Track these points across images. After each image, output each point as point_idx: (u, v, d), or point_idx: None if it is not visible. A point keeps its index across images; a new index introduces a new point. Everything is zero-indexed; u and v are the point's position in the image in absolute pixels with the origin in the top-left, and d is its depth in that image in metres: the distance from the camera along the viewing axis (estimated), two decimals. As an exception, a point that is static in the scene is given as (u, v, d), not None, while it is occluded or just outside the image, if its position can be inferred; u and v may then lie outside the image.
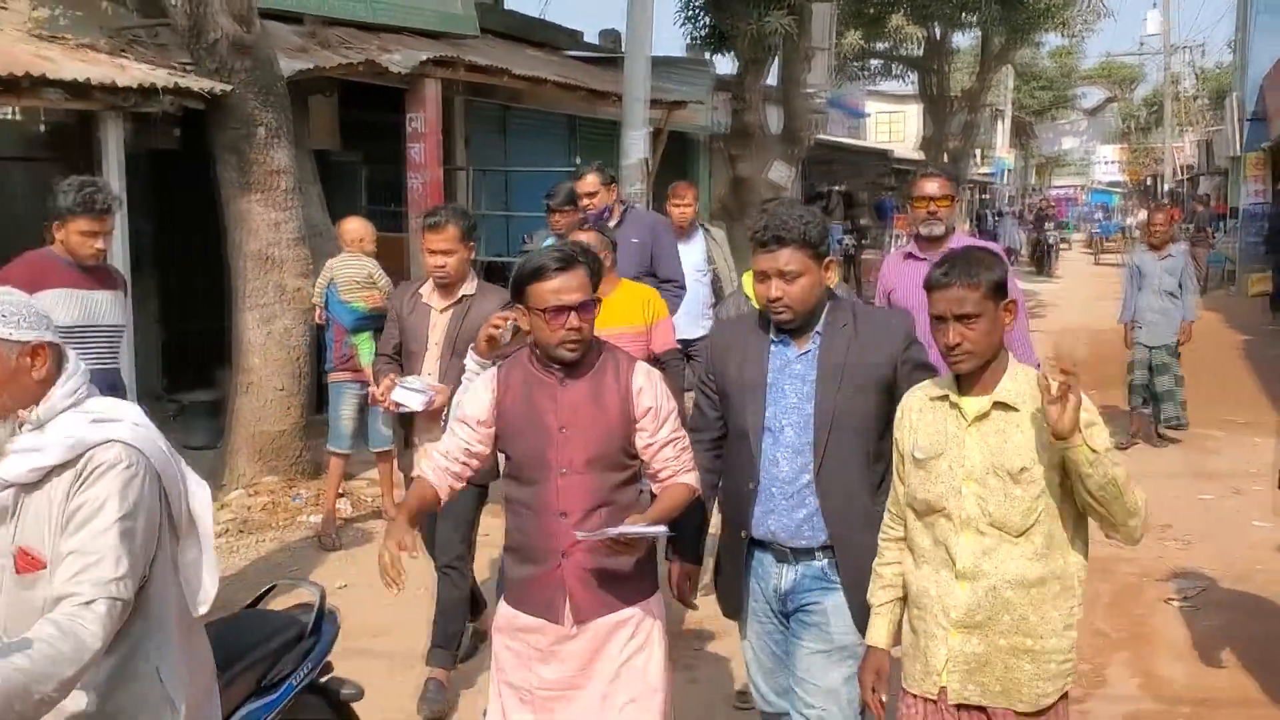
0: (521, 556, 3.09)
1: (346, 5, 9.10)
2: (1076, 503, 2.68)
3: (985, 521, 2.69)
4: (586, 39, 15.94)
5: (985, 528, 2.69)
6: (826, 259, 3.12)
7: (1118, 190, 57.12)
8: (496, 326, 3.61)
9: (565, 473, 2.97)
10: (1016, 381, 2.72)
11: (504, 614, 3.12)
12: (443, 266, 4.39)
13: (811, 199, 18.20)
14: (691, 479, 3.09)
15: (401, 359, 4.59)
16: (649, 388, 3.03)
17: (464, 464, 3.11)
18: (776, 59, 13.97)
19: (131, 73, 6.17)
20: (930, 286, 2.71)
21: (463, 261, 4.44)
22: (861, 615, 3.02)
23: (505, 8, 14.34)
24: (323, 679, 3.37)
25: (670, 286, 6.12)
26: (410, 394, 4.36)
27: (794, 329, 3.12)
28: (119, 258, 6.65)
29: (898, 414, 2.91)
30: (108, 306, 4.67)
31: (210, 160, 7.61)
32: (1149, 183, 52.12)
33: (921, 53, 25.35)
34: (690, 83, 14.31)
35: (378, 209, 10.05)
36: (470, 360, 3.64)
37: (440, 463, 3.11)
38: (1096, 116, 54.75)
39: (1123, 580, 6.12)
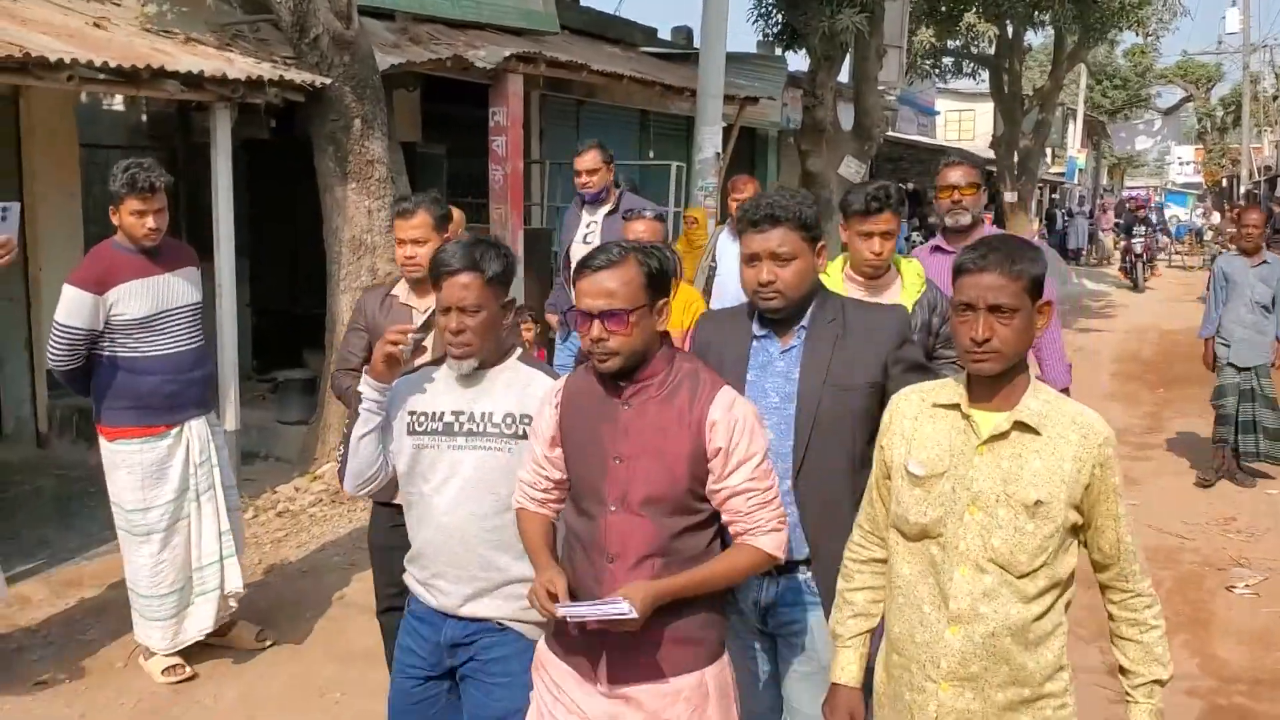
0: (579, 597, 2.63)
1: (435, 2, 9.44)
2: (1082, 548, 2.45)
3: (986, 557, 2.36)
4: (659, 36, 16.17)
5: (985, 564, 2.36)
6: (819, 243, 2.94)
7: (1193, 192, 56.12)
8: (395, 343, 2.93)
9: (616, 510, 2.55)
10: (1040, 400, 2.39)
11: (543, 650, 2.75)
12: (413, 258, 3.95)
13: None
14: (767, 542, 2.56)
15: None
16: (726, 423, 2.53)
17: (547, 491, 2.74)
18: (849, 56, 14.11)
19: (239, 66, 6.53)
20: (960, 270, 2.39)
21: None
22: None
23: (582, 5, 14.62)
24: None
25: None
26: None
27: (780, 320, 2.94)
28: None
29: (886, 418, 2.58)
30: (179, 287, 4.70)
31: (295, 149, 8.00)
32: (1225, 184, 51.14)
33: (994, 50, 25.27)
34: (763, 79, 14.49)
35: (459, 200, 10.37)
36: (365, 386, 2.96)
37: (530, 494, 2.75)
38: (1172, 116, 53.81)
39: (1186, 569, 6.26)
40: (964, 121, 38.66)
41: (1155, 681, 2.43)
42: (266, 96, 6.58)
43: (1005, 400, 2.39)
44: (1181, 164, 58.41)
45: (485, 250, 2.86)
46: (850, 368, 2.86)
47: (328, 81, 6.87)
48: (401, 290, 4.08)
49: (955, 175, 4.55)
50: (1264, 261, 7.77)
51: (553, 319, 6.91)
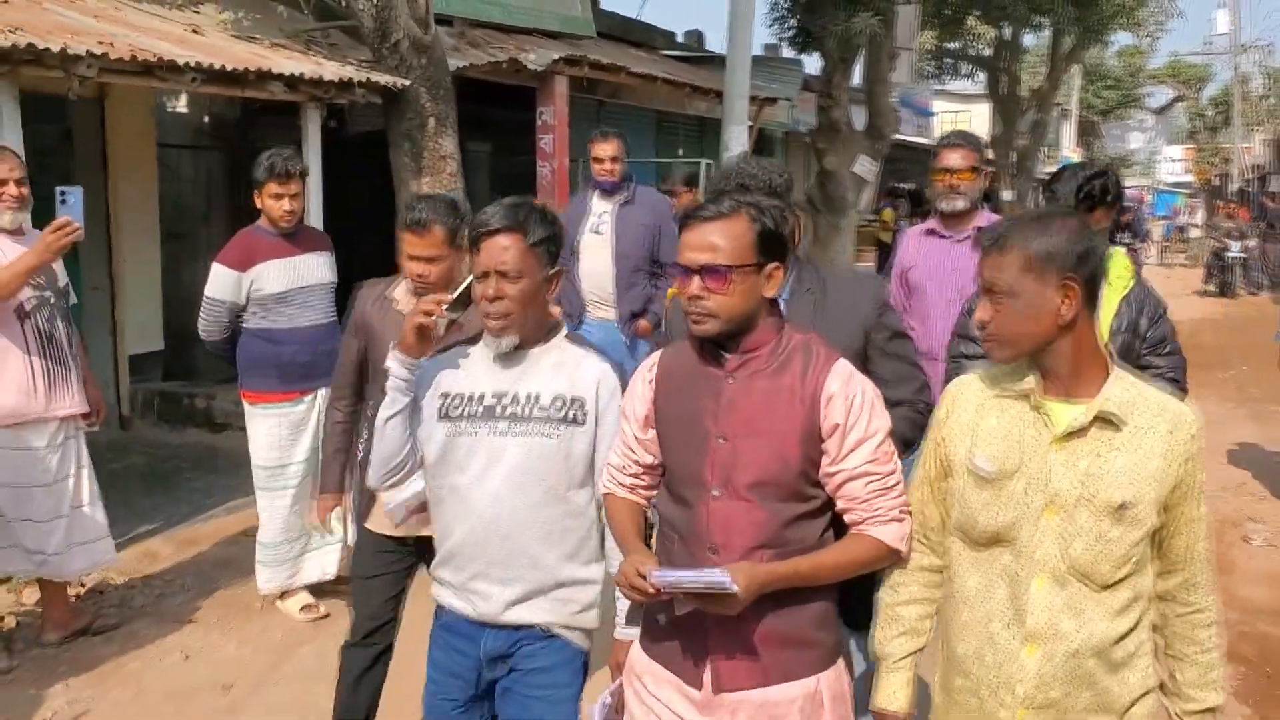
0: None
1: (486, 9, 10.00)
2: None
3: (1065, 567, 2.13)
4: (677, 40, 16.74)
5: (1065, 575, 2.13)
6: (793, 216, 2.80)
7: (1183, 191, 56.95)
8: (428, 313, 2.66)
9: (720, 496, 2.31)
10: (1123, 388, 2.15)
11: (636, 656, 2.50)
12: (424, 276, 3.51)
13: (889, 195, 18.91)
14: (888, 533, 2.33)
15: (369, 382, 3.72)
16: (844, 396, 2.30)
17: (637, 476, 2.53)
18: (862, 58, 14.69)
19: (329, 69, 7.07)
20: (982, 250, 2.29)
21: (449, 270, 3.55)
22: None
23: (604, 10, 15.19)
24: None
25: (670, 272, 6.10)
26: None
27: None
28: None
29: (943, 410, 2.35)
30: (314, 267, 5.12)
31: (362, 146, 8.53)
32: (1217, 182, 51.95)
33: (992, 52, 25.91)
34: (780, 80, 15.07)
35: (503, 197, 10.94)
36: (393, 361, 2.71)
37: (619, 478, 2.55)
38: (1163, 116, 54.66)
39: (1205, 523, 6.82)
40: (960, 122, 39.23)
41: (1209, 710, 2.24)
42: (354, 97, 7.12)
43: (1082, 389, 2.15)
44: (1172, 163, 59.25)
45: (530, 212, 2.61)
46: (830, 335, 2.68)
47: (407, 83, 7.41)
48: (401, 293, 3.68)
49: (953, 158, 4.34)
50: None
51: (556, 311, 7.25)
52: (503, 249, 2.56)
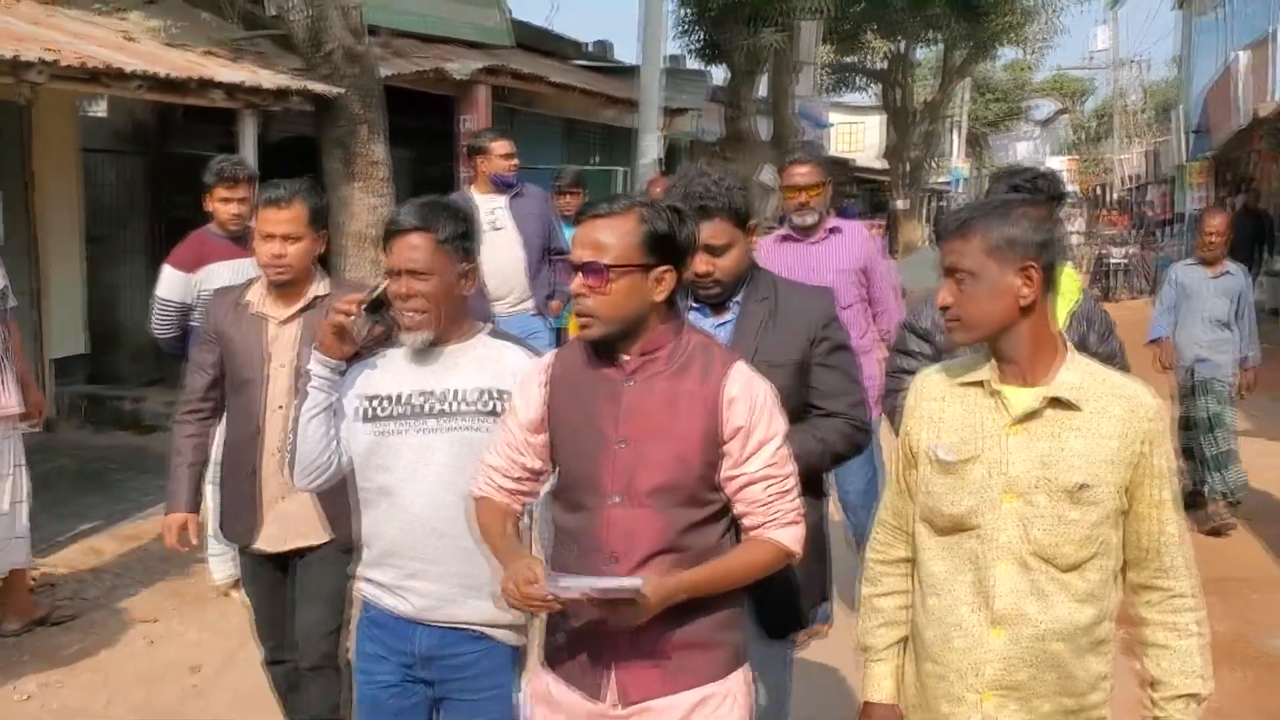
0: (565, 606, 2.31)
1: (409, 19, 10.24)
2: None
3: (1028, 550, 2.16)
4: (586, 50, 17.11)
5: (1029, 558, 2.16)
6: (751, 223, 2.92)
7: (1068, 199, 59.18)
8: (345, 312, 2.64)
9: (620, 501, 2.26)
10: (1077, 373, 2.20)
11: (538, 676, 2.47)
12: (281, 257, 3.37)
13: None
14: (786, 536, 2.32)
15: (223, 396, 3.56)
16: (745, 399, 2.28)
17: (519, 481, 2.45)
18: (767, 71, 15.28)
19: (264, 77, 7.27)
20: (938, 236, 2.38)
21: (308, 253, 3.42)
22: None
23: (517, 19, 15.49)
24: None
25: (565, 259, 6.15)
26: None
27: (715, 304, 2.91)
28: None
29: (910, 401, 2.38)
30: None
31: (280, 152, 8.70)
32: (1098, 192, 54.16)
33: (885, 66, 26.86)
34: (688, 91, 15.53)
35: (422, 202, 11.19)
36: (315, 364, 2.71)
37: (497, 481, 2.46)
38: (1047, 128, 56.89)
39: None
40: (854, 133, 40.44)
41: (1190, 696, 2.20)
42: (289, 104, 7.33)
43: (1036, 373, 2.19)
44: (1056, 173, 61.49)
45: (439, 210, 2.63)
46: (779, 345, 2.79)
47: (341, 91, 7.64)
48: (256, 295, 3.51)
49: (800, 174, 4.64)
50: (1226, 272, 6.69)
51: None
52: (412, 247, 2.56)
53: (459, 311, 2.68)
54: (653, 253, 2.25)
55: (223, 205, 5.16)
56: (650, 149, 11.92)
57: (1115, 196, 44.41)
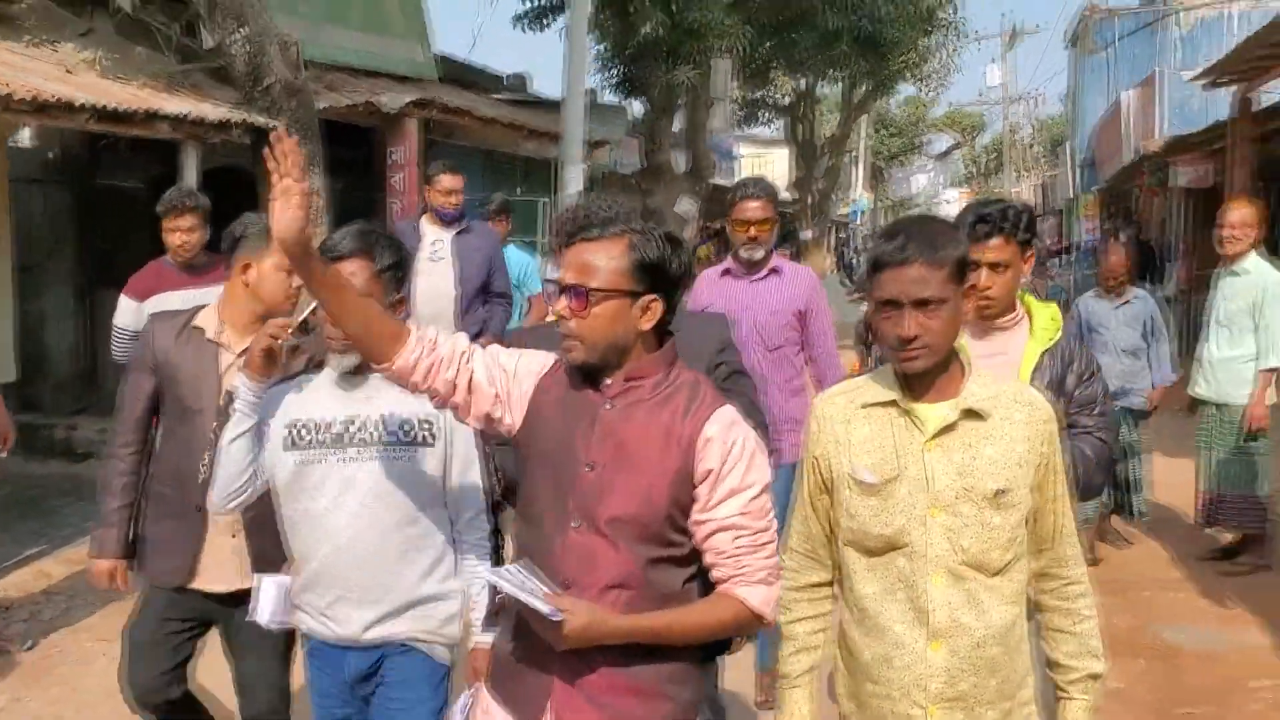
0: (512, 628, 2.28)
1: (342, 53, 10.45)
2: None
3: (958, 560, 2.20)
4: (506, 83, 17.41)
5: (960, 568, 2.20)
6: None
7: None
8: (275, 335, 2.67)
9: (579, 527, 2.17)
10: (981, 385, 2.26)
11: (482, 697, 2.38)
12: (186, 245, 3.59)
13: (709, 235, 20.03)
14: (754, 595, 2.19)
15: (164, 429, 3.36)
16: (721, 442, 2.18)
17: (458, 371, 2.26)
18: (683, 105, 15.75)
19: (208, 109, 7.45)
20: (880, 264, 2.21)
21: (275, 271, 3.31)
22: None
23: (437, 52, 15.74)
24: None
25: (503, 301, 6.68)
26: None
27: None
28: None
29: (813, 426, 2.38)
30: (208, 298, 5.41)
31: (211, 182, 8.84)
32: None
33: (791, 101, 27.68)
34: (607, 124, 15.91)
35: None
36: (240, 385, 2.68)
37: (436, 352, 2.26)
38: (944, 161, 58.76)
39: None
40: (762, 166, 41.36)
41: (1091, 676, 2.35)
42: (230, 136, 7.50)
43: (944, 390, 2.25)
44: (950, 205, 63.50)
45: (378, 238, 2.66)
46: None
47: (279, 124, 7.82)
48: (209, 323, 3.35)
49: (752, 209, 4.53)
50: (1127, 301, 6.77)
51: None
52: (349, 274, 2.51)
53: None
54: (640, 280, 2.19)
55: (170, 235, 5.26)
56: (574, 180, 12.24)
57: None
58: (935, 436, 2.23)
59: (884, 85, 25.71)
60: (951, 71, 28.82)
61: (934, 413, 2.24)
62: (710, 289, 4.79)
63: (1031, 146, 49.86)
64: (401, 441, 2.68)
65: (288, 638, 3.28)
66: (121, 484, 3.39)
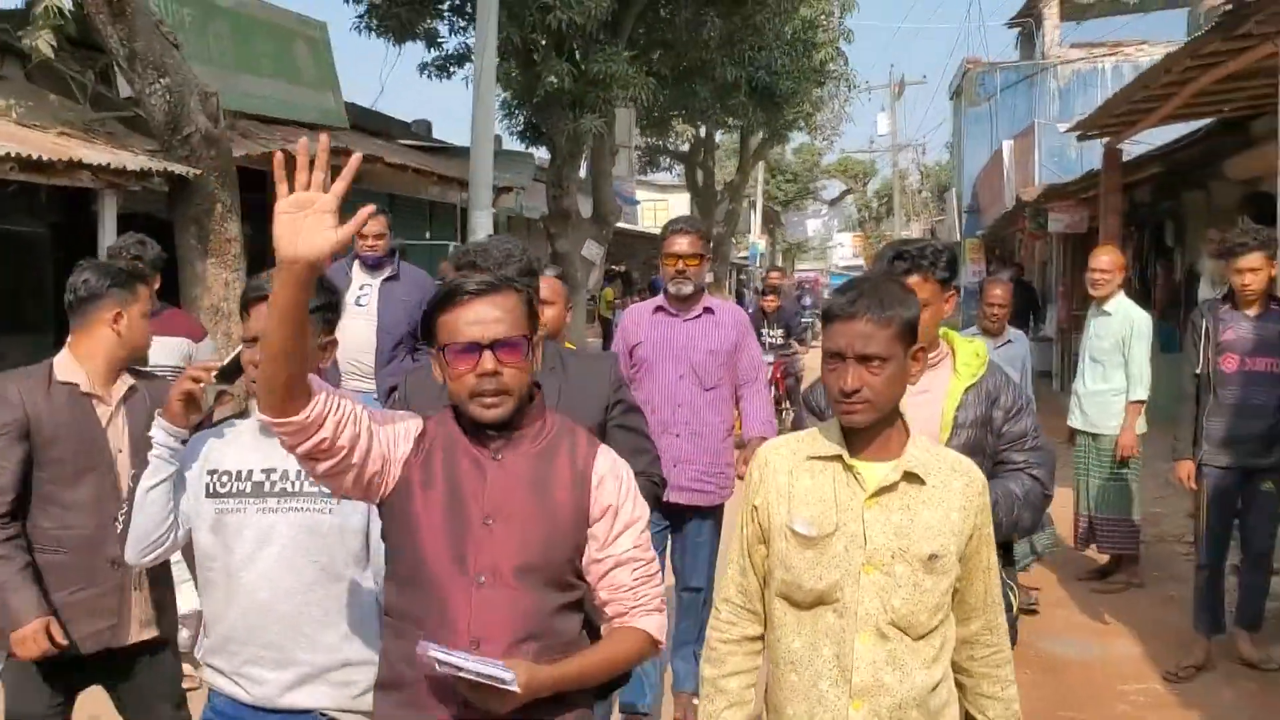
0: (404, 699, 2.21)
1: (252, 101, 10.61)
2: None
3: (887, 619, 2.22)
4: (412, 130, 17.65)
5: (886, 628, 2.22)
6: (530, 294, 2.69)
7: (855, 272, 62.70)
8: (196, 380, 2.61)
9: (485, 583, 2.15)
10: (920, 449, 2.30)
11: None
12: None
13: (613, 278, 20.42)
14: (651, 624, 2.26)
15: (43, 495, 3.16)
16: (614, 477, 2.26)
17: (361, 431, 2.16)
18: (587, 152, 16.15)
19: (127, 158, 7.59)
20: (829, 315, 2.28)
21: (142, 318, 3.32)
22: None
23: (348, 101, 15.95)
24: None
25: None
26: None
27: None
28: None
29: (755, 475, 2.39)
30: (155, 351, 4.48)
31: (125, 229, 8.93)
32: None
33: (689, 149, 28.37)
34: (514, 170, 16.26)
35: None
36: (159, 431, 2.60)
37: (342, 408, 2.15)
38: (836, 206, 60.34)
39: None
40: (659, 210, 42.08)
41: None
42: (150, 184, 7.64)
43: (885, 450, 2.28)
44: (843, 248, 65.19)
45: None
46: (577, 413, 2.65)
47: (198, 172, 8.00)
48: (76, 376, 3.20)
49: (681, 244, 4.53)
50: (1008, 341, 6.58)
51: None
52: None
53: None
54: (532, 324, 2.24)
55: None
56: (483, 225, 12.52)
57: (900, 271, 47.46)
58: (875, 495, 2.25)
59: (779, 134, 26.52)
60: (843, 121, 29.92)
61: (875, 471, 2.27)
62: (641, 326, 4.74)
63: (920, 192, 51.60)
64: (324, 492, 2.51)
65: (66, 702, 3.25)
66: (12, 546, 3.11)
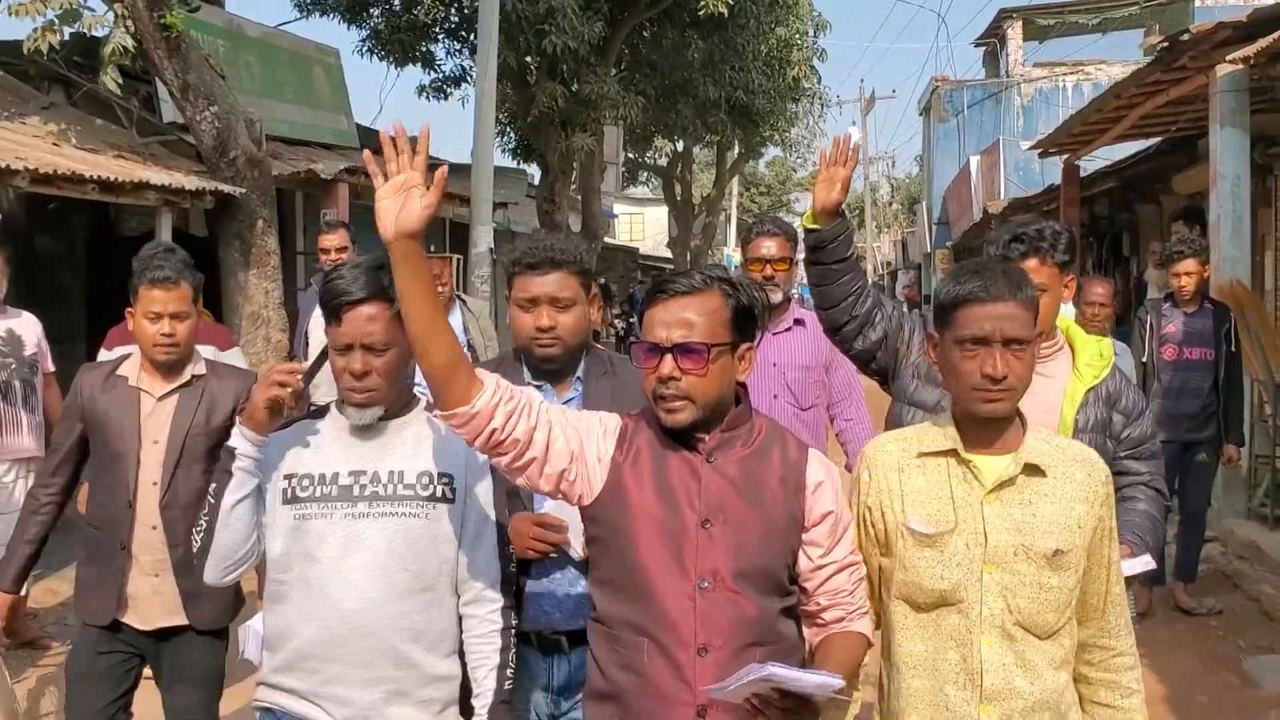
0: (622, 710, 2.16)
1: (279, 125, 11.41)
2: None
3: (1012, 621, 2.12)
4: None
5: (1012, 629, 2.13)
6: (594, 292, 2.75)
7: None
8: (283, 384, 2.41)
9: (708, 588, 2.11)
10: (1040, 440, 2.20)
11: None
12: (171, 336, 3.30)
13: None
14: (866, 627, 2.26)
15: (95, 468, 3.41)
16: (830, 483, 2.23)
17: (538, 423, 2.17)
18: (577, 169, 17.00)
19: (183, 179, 8.37)
20: (962, 300, 2.15)
21: (195, 331, 3.39)
22: None
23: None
24: None
25: None
26: None
27: (555, 371, 2.70)
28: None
29: (863, 474, 2.30)
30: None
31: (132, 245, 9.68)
32: (854, 278, 58.69)
33: (667, 163, 29.26)
34: (508, 186, 17.07)
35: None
36: (241, 440, 2.44)
37: (515, 399, 2.15)
38: (808, 219, 61.21)
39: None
40: (635, 224, 43.04)
41: None
42: (203, 203, 8.43)
43: (1006, 443, 2.17)
44: (815, 261, 66.19)
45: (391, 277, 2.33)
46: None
47: (242, 191, 8.79)
48: (131, 370, 3.41)
49: (769, 247, 4.04)
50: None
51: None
52: (368, 319, 2.36)
53: (404, 385, 2.51)
54: (737, 328, 2.19)
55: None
56: (484, 238, 13.33)
57: (870, 281, 48.56)
58: (994, 490, 2.15)
59: (754, 150, 27.45)
60: (816, 136, 30.85)
61: (993, 465, 2.17)
62: None
63: (890, 204, 52.72)
64: (419, 496, 2.43)
65: (220, 674, 3.47)
66: (36, 522, 3.43)
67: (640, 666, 2.12)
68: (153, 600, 3.36)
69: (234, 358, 5.45)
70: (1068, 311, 4.21)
